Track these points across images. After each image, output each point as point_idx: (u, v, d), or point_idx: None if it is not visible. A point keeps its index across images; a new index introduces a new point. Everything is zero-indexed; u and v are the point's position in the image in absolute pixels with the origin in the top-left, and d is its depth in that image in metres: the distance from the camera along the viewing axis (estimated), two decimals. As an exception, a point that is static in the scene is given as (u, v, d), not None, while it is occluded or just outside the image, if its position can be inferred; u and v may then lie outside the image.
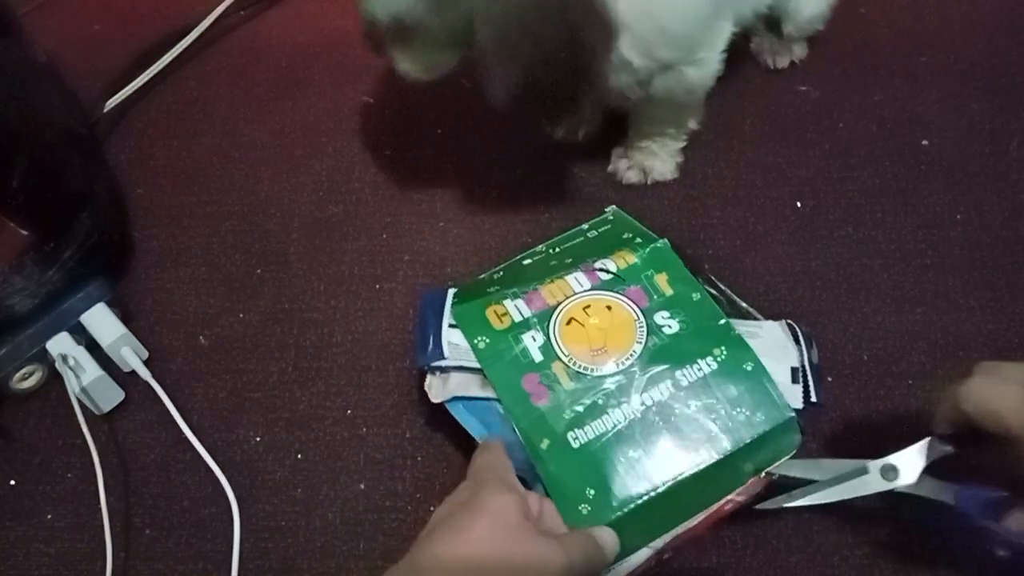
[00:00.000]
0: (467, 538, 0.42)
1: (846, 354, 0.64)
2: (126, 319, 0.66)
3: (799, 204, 0.73)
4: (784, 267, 0.69)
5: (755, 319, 0.58)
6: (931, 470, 0.48)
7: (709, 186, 0.74)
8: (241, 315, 0.69)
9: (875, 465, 0.49)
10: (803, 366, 0.54)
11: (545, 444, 0.49)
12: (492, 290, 0.57)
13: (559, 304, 0.55)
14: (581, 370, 0.52)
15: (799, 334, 0.56)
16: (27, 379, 0.64)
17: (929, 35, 0.83)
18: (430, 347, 0.55)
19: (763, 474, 0.50)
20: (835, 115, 0.78)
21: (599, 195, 0.74)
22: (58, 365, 0.62)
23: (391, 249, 0.72)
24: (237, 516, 0.57)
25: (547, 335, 0.54)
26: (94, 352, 0.64)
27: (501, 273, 0.60)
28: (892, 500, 0.49)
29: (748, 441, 0.49)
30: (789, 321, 0.57)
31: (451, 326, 0.56)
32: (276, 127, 0.80)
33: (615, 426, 0.50)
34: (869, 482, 0.49)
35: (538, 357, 0.53)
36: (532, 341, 0.53)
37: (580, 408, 0.50)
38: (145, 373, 0.63)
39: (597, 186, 0.74)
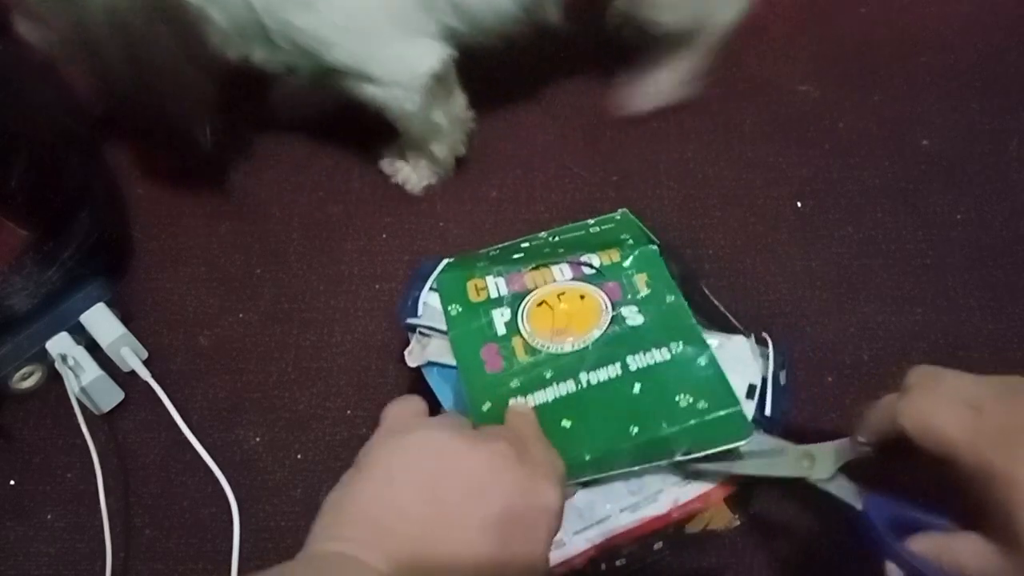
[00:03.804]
0: (403, 451, 0.39)
1: (846, 354, 0.65)
2: (126, 319, 0.66)
3: (799, 204, 0.73)
4: (784, 267, 0.69)
5: (736, 332, 0.58)
6: (846, 470, 0.46)
7: (709, 186, 0.74)
8: (241, 315, 0.69)
9: (795, 450, 0.48)
10: (763, 381, 0.53)
11: (487, 407, 0.51)
12: (480, 265, 0.59)
13: (536, 288, 0.57)
14: (538, 347, 0.53)
15: (770, 350, 0.55)
16: (27, 379, 0.64)
17: (929, 35, 0.83)
18: (408, 305, 0.57)
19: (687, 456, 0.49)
20: (835, 115, 0.78)
21: (599, 195, 0.74)
22: (58, 365, 0.62)
23: (391, 249, 0.72)
24: (237, 516, 0.57)
25: (515, 313, 0.55)
26: (94, 352, 0.64)
27: (497, 251, 0.61)
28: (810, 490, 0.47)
29: (685, 425, 0.49)
30: (764, 334, 0.56)
31: (432, 290, 0.58)
32: (276, 127, 0.80)
33: (556, 398, 0.51)
34: (784, 464, 0.48)
35: (501, 331, 0.54)
36: (499, 317, 0.55)
37: (528, 379, 0.52)
38: (145, 373, 0.63)
39: (597, 186, 0.74)
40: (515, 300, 0.56)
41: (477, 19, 0.63)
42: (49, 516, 0.61)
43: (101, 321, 0.64)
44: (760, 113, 0.78)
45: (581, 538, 0.49)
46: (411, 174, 0.74)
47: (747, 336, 0.55)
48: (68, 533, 0.60)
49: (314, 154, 0.78)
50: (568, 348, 0.53)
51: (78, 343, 0.64)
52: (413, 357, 0.56)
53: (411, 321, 0.56)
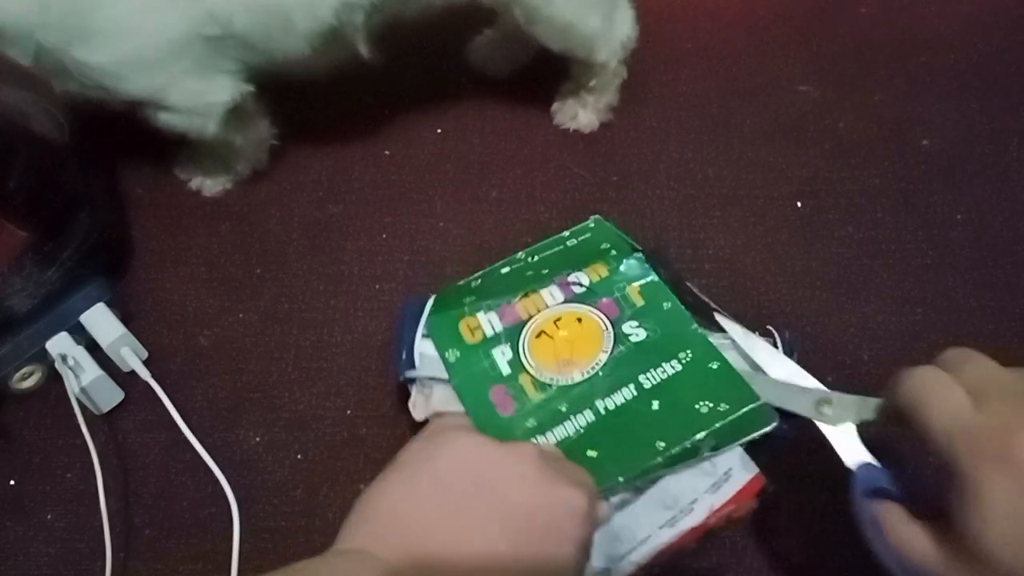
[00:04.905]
0: (431, 451, 0.41)
1: (846, 354, 0.65)
2: (126, 319, 0.66)
3: (799, 204, 0.73)
4: (784, 267, 0.69)
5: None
6: (860, 428, 0.46)
7: (709, 186, 0.74)
8: (241, 315, 0.69)
9: (817, 392, 0.48)
10: None
11: None
12: (467, 300, 0.57)
13: (531, 318, 0.55)
14: (548, 381, 0.52)
15: (777, 341, 0.55)
16: (27, 379, 0.64)
17: (929, 35, 0.83)
18: (403, 357, 0.55)
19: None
20: (835, 115, 0.78)
21: (599, 195, 0.74)
22: (58, 365, 0.62)
23: (391, 249, 0.72)
24: (237, 516, 0.57)
25: (515, 349, 0.54)
26: (94, 352, 0.64)
27: (479, 281, 0.60)
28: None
29: (712, 429, 0.49)
30: (769, 327, 0.56)
31: (424, 336, 0.56)
32: (275, 126, 0.80)
33: (576, 431, 0.50)
34: (801, 401, 0.48)
35: (506, 370, 0.53)
36: (501, 355, 0.54)
37: (543, 416, 0.51)
38: (145, 373, 0.63)
39: (597, 186, 0.74)
40: (512, 334, 0.55)
41: (273, 57, 0.64)
42: (49, 516, 0.61)
43: (101, 321, 0.64)
44: (760, 113, 0.78)
45: (627, 562, 0.49)
46: (205, 181, 0.75)
47: (749, 331, 0.55)
48: (68, 533, 0.60)
49: (314, 154, 0.78)
50: (578, 377, 0.52)
51: (78, 343, 0.64)
52: (418, 410, 0.54)
53: (410, 374, 0.54)
